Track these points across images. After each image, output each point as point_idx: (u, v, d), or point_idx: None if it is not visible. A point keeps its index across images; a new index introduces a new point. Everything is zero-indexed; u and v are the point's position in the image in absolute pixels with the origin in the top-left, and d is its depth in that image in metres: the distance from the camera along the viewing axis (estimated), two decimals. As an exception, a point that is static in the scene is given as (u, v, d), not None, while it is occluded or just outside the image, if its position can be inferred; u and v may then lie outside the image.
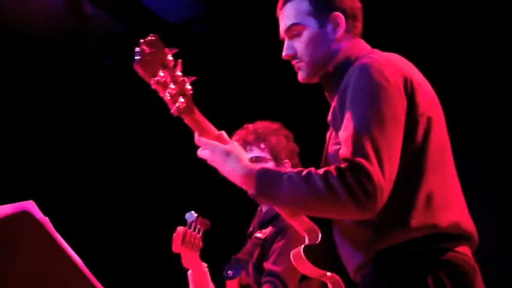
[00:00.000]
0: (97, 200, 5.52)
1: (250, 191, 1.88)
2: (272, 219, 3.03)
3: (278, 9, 2.14)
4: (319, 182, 1.73)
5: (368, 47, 2.09)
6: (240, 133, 3.11)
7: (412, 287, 1.82)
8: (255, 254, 3.03)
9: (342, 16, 2.04)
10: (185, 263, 3.03)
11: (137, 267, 5.53)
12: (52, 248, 1.96)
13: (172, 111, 1.89)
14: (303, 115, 4.38)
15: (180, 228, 2.99)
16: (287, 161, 3.07)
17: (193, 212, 3.06)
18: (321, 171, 1.76)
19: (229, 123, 2.37)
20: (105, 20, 5.43)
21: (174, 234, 3.01)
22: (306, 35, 2.05)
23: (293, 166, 3.05)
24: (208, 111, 1.99)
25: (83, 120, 5.57)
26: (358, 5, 2.13)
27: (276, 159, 3.06)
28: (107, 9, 5.31)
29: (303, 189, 1.77)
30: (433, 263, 1.80)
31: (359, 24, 2.12)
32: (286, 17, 2.10)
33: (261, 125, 3.11)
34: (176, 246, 2.99)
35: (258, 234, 3.03)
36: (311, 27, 2.05)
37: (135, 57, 1.83)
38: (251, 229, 3.20)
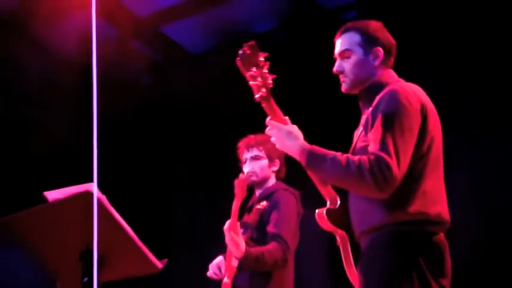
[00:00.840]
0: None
1: (302, 162, 2.32)
2: (267, 197, 3.60)
3: (337, 36, 2.58)
4: (353, 165, 2.18)
5: (396, 76, 2.52)
6: (245, 140, 3.73)
7: (407, 254, 2.21)
8: (257, 220, 3.52)
9: (382, 50, 2.48)
10: None
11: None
12: (109, 221, 2.16)
13: (256, 97, 2.41)
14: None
15: None
16: (277, 160, 3.72)
17: None
18: (355, 158, 2.20)
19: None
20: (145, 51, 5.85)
21: None
22: (353, 59, 2.49)
23: (280, 164, 3.75)
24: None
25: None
26: (394, 43, 2.55)
27: (270, 158, 3.70)
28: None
29: (341, 168, 2.23)
30: (421, 240, 2.25)
31: (392, 59, 2.55)
32: (341, 43, 2.54)
33: (260, 135, 3.58)
34: None
35: (258, 206, 3.51)
36: (358, 54, 2.49)
37: (239, 55, 2.39)
38: (250, 204, 3.70)
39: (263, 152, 3.69)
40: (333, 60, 2.57)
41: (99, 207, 2.06)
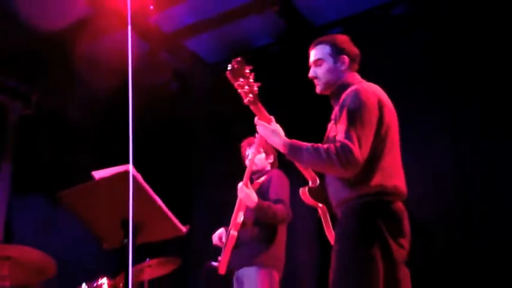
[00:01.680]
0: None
1: (285, 153, 2.41)
2: (264, 173, 3.75)
3: (311, 48, 2.65)
4: (323, 152, 2.27)
5: (359, 78, 2.59)
6: (246, 139, 3.85)
7: (368, 219, 2.29)
8: (257, 190, 3.60)
9: (348, 58, 2.57)
10: None
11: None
12: (143, 195, 2.20)
13: (245, 102, 2.47)
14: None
15: None
16: (272, 154, 3.86)
17: None
18: (325, 146, 2.28)
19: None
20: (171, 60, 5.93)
21: None
22: (324, 66, 2.58)
23: (274, 157, 3.89)
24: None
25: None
26: (358, 52, 2.63)
27: (266, 153, 3.84)
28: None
29: (314, 156, 2.31)
30: (380, 207, 2.32)
31: (356, 65, 2.63)
32: (315, 54, 2.62)
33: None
34: None
35: (258, 180, 3.68)
36: (328, 62, 2.58)
37: (228, 69, 2.45)
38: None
39: (262, 148, 3.82)
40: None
41: (135, 183, 2.15)
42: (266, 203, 3.46)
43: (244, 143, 3.86)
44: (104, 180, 2.22)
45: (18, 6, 4.83)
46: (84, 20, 5.19)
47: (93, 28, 5.21)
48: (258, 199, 3.44)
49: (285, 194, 3.61)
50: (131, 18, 2.37)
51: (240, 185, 3.51)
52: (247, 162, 3.82)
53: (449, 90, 4.63)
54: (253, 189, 3.67)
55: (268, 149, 3.83)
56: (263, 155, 3.84)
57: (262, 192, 3.62)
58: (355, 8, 5.11)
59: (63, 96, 5.85)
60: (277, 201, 3.51)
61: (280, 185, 3.63)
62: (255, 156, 3.64)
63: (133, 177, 2.14)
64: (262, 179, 3.73)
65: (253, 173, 3.77)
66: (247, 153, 3.82)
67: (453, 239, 4.35)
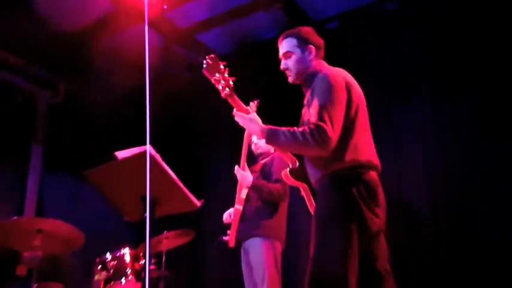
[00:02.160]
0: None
1: (264, 138, 2.37)
2: (266, 156, 3.79)
3: (279, 42, 2.61)
4: (298, 134, 2.23)
5: (326, 64, 2.54)
6: None
7: (344, 191, 2.25)
8: (260, 169, 3.71)
9: (314, 48, 2.52)
10: None
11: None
12: (161, 173, 2.20)
13: (222, 95, 2.46)
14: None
15: None
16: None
17: None
18: (300, 129, 2.24)
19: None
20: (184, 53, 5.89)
21: None
22: (293, 57, 2.53)
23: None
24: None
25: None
26: (322, 42, 2.58)
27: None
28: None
29: (290, 139, 2.27)
30: (356, 179, 2.27)
31: (322, 52, 2.58)
32: (283, 47, 2.58)
33: None
34: None
35: (262, 161, 3.73)
36: (297, 53, 2.53)
37: (203, 66, 2.44)
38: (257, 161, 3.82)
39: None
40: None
41: (154, 162, 2.16)
42: (261, 182, 3.49)
43: (248, 133, 3.81)
44: (125, 159, 2.22)
45: (47, 5, 4.78)
46: (106, 16, 5.17)
47: (114, 24, 5.19)
48: (254, 179, 3.46)
49: None
50: (148, 15, 2.36)
51: (236, 167, 3.50)
52: (253, 146, 3.82)
53: (449, 86, 4.47)
54: (257, 168, 3.70)
55: None
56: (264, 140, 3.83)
57: (264, 171, 3.65)
58: (351, 4, 5.05)
59: (87, 86, 5.84)
60: (276, 181, 3.52)
61: (280, 166, 3.59)
62: (245, 151, 3.61)
63: (152, 157, 2.13)
64: (266, 159, 3.74)
65: (259, 155, 3.79)
66: (252, 139, 3.81)
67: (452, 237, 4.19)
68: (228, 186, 3.68)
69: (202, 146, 6.21)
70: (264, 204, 3.54)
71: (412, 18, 4.73)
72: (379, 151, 2.47)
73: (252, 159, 3.85)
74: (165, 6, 5.02)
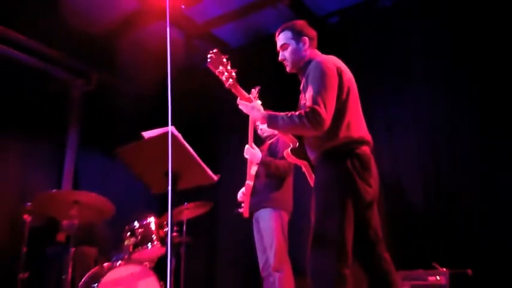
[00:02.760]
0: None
1: (266, 123, 2.35)
2: (272, 137, 3.74)
3: (276, 36, 2.55)
4: (295, 117, 2.21)
5: (319, 53, 2.48)
6: None
7: (340, 165, 2.22)
8: (267, 149, 3.67)
9: (307, 39, 2.46)
10: None
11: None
12: (183, 150, 2.22)
13: (226, 86, 2.44)
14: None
15: None
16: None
17: None
18: (296, 113, 2.21)
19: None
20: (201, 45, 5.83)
21: None
22: (290, 49, 2.48)
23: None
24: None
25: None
26: (315, 33, 2.52)
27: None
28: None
29: (288, 122, 2.25)
30: (350, 154, 2.24)
31: (315, 42, 2.51)
32: (280, 40, 2.53)
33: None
34: None
35: (269, 142, 3.68)
36: (292, 45, 2.48)
37: (208, 61, 2.43)
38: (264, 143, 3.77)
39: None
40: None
41: (176, 141, 2.18)
42: (269, 159, 3.47)
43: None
44: (151, 139, 2.22)
45: (81, 3, 4.81)
46: (132, 14, 5.16)
47: (139, 20, 5.19)
48: (262, 156, 3.45)
49: None
50: (169, 12, 2.34)
51: (246, 146, 3.49)
52: (259, 131, 3.79)
53: (451, 76, 4.31)
54: (264, 148, 3.67)
55: None
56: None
57: (271, 150, 3.63)
58: (351, 0, 4.97)
59: (116, 75, 5.83)
60: (281, 158, 3.49)
61: (284, 145, 3.57)
62: (252, 130, 3.56)
63: (175, 136, 2.15)
64: (272, 140, 3.72)
65: (265, 137, 3.77)
66: (257, 123, 3.79)
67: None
68: (240, 164, 3.66)
69: (218, 128, 6.18)
70: (271, 179, 3.52)
71: (408, 13, 4.63)
72: (376, 140, 2.43)
73: (259, 141, 3.82)
74: (183, 6, 5.03)
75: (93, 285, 3.42)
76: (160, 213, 4.08)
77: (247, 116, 3.66)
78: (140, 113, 5.56)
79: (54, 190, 4.63)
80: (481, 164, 3.97)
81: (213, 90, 6.04)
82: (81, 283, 3.66)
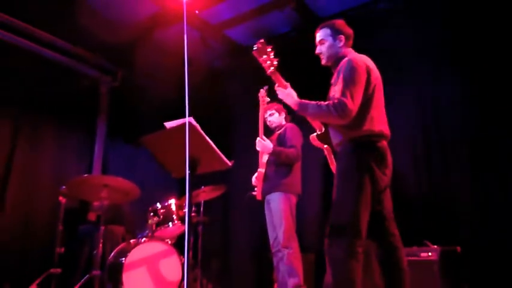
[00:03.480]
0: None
1: (297, 110, 2.34)
2: (282, 126, 3.69)
3: (316, 31, 2.50)
4: (324, 107, 2.19)
5: (352, 51, 2.45)
6: (266, 107, 3.70)
7: (362, 155, 2.22)
8: (277, 138, 3.61)
9: (344, 37, 2.43)
10: None
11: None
12: (200, 139, 2.20)
13: (267, 73, 2.39)
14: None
15: None
16: (282, 112, 3.76)
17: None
18: (326, 102, 2.21)
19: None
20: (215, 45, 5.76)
21: None
22: (326, 44, 2.45)
23: (285, 114, 3.77)
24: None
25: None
26: (351, 33, 2.48)
27: (278, 112, 3.75)
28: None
29: (317, 110, 2.23)
30: (370, 145, 2.23)
31: (351, 42, 2.47)
32: (319, 35, 2.48)
33: (270, 104, 3.69)
34: None
35: (278, 132, 3.63)
36: (329, 41, 2.44)
37: (254, 49, 2.38)
38: (273, 133, 3.72)
39: (274, 110, 3.76)
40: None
41: (195, 130, 2.16)
42: (279, 148, 3.43)
43: (265, 109, 3.74)
44: (172, 128, 2.21)
45: (109, 7, 4.82)
46: (152, 16, 5.10)
47: (159, 22, 5.13)
48: (273, 146, 3.41)
49: (297, 141, 3.55)
50: (186, 15, 2.30)
51: (257, 139, 3.47)
52: (268, 122, 3.76)
53: (456, 63, 4.10)
54: (274, 138, 3.63)
55: (279, 109, 3.74)
56: (276, 114, 3.75)
57: (280, 140, 3.59)
58: (352, 3, 4.87)
59: (140, 72, 5.79)
60: (290, 146, 3.46)
61: (292, 134, 3.56)
62: (262, 123, 3.54)
63: (193, 126, 2.13)
64: (281, 130, 3.67)
65: (274, 128, 3.73)
66: (265, 116, 3.76)
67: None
68: (251, 151, 3.63)
69: (232, 119, 6.11)
70: (281, 166, 3.49)
71: (409, 14, 4.50)
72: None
73: (269, 132, 3.78)
74: (197, 11, 4.99)
75: (121, 260, 3.43)
76: (180, 195, 4.09)
77: (257, 109, 3.64)
78: (161, 106, 5.53)
79: (85, 175, 4.64)
80: (471, 145, 3.88)
81: (226, 85, 6.08)
82: (110, 257, 3.68)
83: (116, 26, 4.98)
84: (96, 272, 3.47)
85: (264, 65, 2.39)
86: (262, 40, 2.39)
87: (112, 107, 5.72)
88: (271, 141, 3.63)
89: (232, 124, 6.10)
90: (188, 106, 2.04)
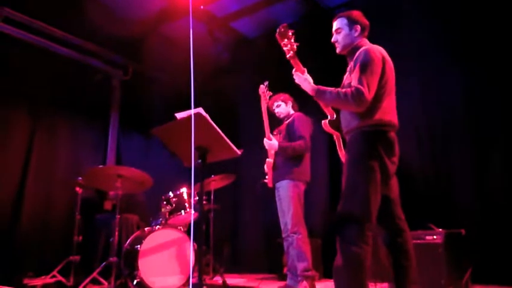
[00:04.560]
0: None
1: (313, 95, 2.32)
2: (290, 116, 3.64)
3: (333, 20, 2.47)
4: (342, 94, 2.19)
5: (368, 42, 2.43)
6: (272, 98, 3.66)
7: (370, 142, 2.21)
8: (286, 128, 3.58)
9: (360, 27, 2.41)
10: None
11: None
12: (210, 129, 2.21)
13: (287, 57, 2.38)
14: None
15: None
16: (289, 101, 3.70)
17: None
18: (343, 90, 2.20)
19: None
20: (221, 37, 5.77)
21: None
22: (343, 33, 2.42)
23: (292, 102, 3.71)
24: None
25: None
26: (367, 23, 2.45)
27: (285, 103, 3.69)
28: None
29: (335, 97, 2.23)
30: (381, 134, 2.23)
31: (366, 32, 2.45)
32: (336, 24, 2.45)
33: (276, 95, 3.66)
34: None
35: (287, 122, 3.58)
36: (345, 30, 2.42)
37: (277, 32, 2.37)
38: (282, 123, 3.68)
39: (280, 101, 3.71)
40: (331, 36, 2.48)
41: (205, 121, 2.17)
42: (285, 144, 3.42)
43: (270, 103, 3.69)
44: (183, 119, 2.21)
45: (118, 3, 4.84)
46: (160, 11, 5.09)
47: (166, 17, 5.13)
48: (279, 143, 3.41)
49: (305, 131, 3.51)
50: (192, 9, 2.28)
51: (264, 140, 3.49)
52: (276, 113, 3.73)
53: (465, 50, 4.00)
54: (283, 128, 3.61)
55: (285, 99, 3.72)
56: (283, 104, 3.72)
57: (289, 130, 3.57)
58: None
59: (150, 65, 5.81)
60: (299, 137, 3.44)
61: (301, 124, 3.52)
62: (267, 120, 3.50)
63: (203, 116, 2.14)
64: (290, 119, 3.64)
65: (282, 118, 3.70)
66: (273, 108, 3.74)
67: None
68: (260, 141, 3.61)
69: (239, 109, 6.11)
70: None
71: (413, 4, 4.43)
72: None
73: (278, 122, 3.76)
74: (202, 7, 4.97)
75: (136, 247, 3.48)
76: (191, 184, 4.10)
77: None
78: (171, 98, 5.56)
79: (100, 166, 4.69)
80: (475, 127, 3.83)
81: (233, 76, 6.06)
82: (126, 245, 3.74)
83: (126, 22, 5.00)
84: (113, 259, 3.53)
85: (284, 48, 2.38)
86: (285, 24, 2.38)
87: (124, 100, 5.75)
88: (280, 131, 3.62)
89: (241, 113, 6.10)
90: (194, 97, 2.05)
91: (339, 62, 2.67)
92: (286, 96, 3.73)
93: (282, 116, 3.72)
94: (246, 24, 5.50)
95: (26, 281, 3.90)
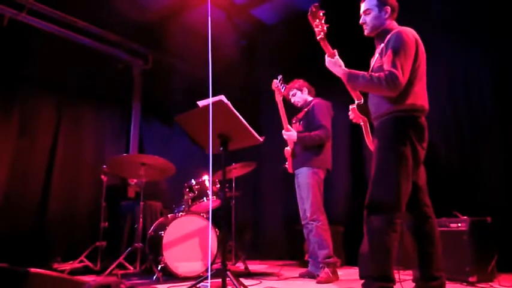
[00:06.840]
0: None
1: (344, 79, 2.24)
2: (308, 103, 3.58)
3: (361, 2, 2.36)
4: (375, 78, 2.11)
5: (397, 24, 2.33)
6: (288, 86, 3.64)
7: (402, 127, 2.14)
8: (304, 116, 3.53)
9: (390, 9, 2.31)
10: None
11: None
12: (232, 116, 2.21)
13: (317, 38, 2.29)
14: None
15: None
16: (304, 88, 3.64)
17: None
18: (375, 74, 2.12)
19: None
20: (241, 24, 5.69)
21: None
22: (372, 14, 2.32)
23: (308, 88, 3.66)
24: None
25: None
26: (397, 5, 2.35)
27: (300, 90, 3.65)
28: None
29: (367, 81, 2.15)
30: (411, 120, 2.15)
31: (395, 14, 2.35)
32: (365, 5, 2.35)
33: (291, 82, 3.64)
34: None
35: (306, 109, 3.51)
36: (375, 11, 2.32)
37: (309, 12, 2.29)
38: (301, 111, 3.63)
39: (295, 89, 3.66)
40: (355, 17, 2.38)
41: (226, 108, 2.16)
42: (303, 135, 3.37)
43: (285, 92, 3.63)
44: (205, 106, 2.21)
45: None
46: (179, 0, 5.05)
47: (186, 4, 5.08)
48: (298, 135, 3.36)
49: (326, 118, 3.44)
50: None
51: (283, 131, 3.45)
52: (293, 102, 3.68)
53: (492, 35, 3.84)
54: (301, 116, 3.56)
55: (300, 86, 3.65)
56: (298, 92, 3.65)
57: (308, 117, 3.51)
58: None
59: (170, 55, 5.81)
60: (319, 126, 3.38)
61: (321, 112, 3.44)
62: (281, 107, 3.42)
63: (225, 104, 2.12)
64: (308, 107, 3.58)
65: (301, 106, 3.65)
66: (289, 97, 3.69)
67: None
68: (281, 128, 3.58)
69: (260, 96, 6.06)
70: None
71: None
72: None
73: (296, 110, 3.70)
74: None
75: (160, 233, 3.53)
76: (213, 172, 4.11)
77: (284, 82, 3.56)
78: (190, 86, 5.56)
79: (124, 154, 4.75)
80: (504, 113, 3.69)
81: (251, 64, 6.01)
82: (150, 231, 3.79)
83: (146, 10, 4.99)
84: (138, 245, 3.59)
85: (315, 29, 2.30)
86: (316, 4, 2.30)
87: (145, 89, 5.79)
88: (298, 119, 3.58)
89: (261, 101, 6.05)
90: (211, 84, 2.03)
91: (364, 45, 2.58)
92: (301, 82, 3.67)
93: (299, 104, 3.66)
94: (265, 11, 5.43)
95: (55, 265, 4.02)
